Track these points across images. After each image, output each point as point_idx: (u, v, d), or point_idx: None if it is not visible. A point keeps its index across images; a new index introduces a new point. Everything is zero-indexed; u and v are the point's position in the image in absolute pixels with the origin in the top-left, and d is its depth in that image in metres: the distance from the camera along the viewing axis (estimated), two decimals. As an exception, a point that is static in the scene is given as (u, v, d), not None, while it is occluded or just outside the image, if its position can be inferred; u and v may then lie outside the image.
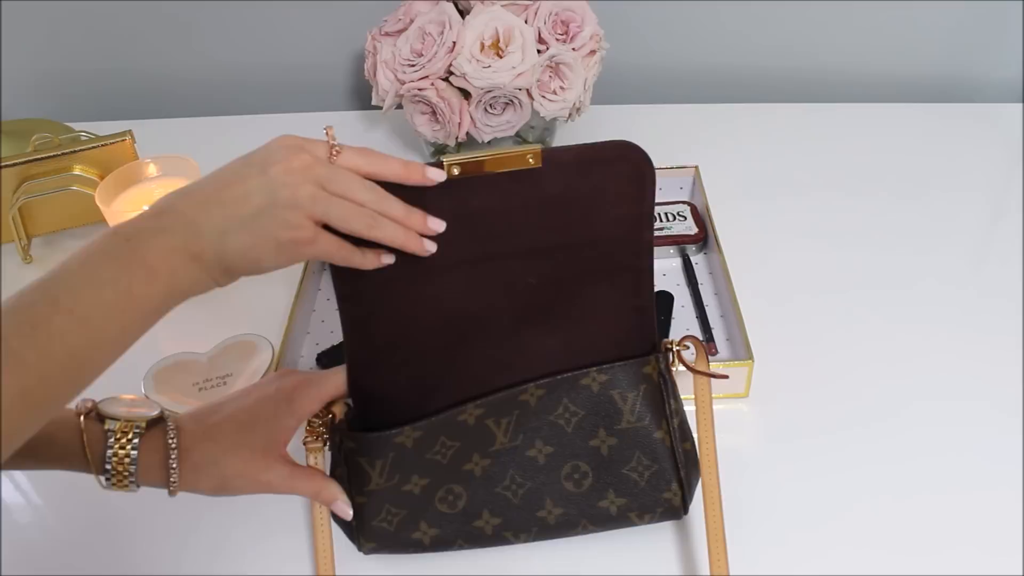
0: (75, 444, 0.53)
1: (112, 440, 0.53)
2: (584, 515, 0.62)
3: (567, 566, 0.63)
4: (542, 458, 0.61)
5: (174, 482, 0.54)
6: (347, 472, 0.60)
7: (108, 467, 0.53)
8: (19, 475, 0.73)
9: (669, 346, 0.62)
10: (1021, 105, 1.10)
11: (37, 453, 0.53)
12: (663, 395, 0.61)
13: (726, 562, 0.59)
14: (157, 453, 0.54)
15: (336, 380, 0.59)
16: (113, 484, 0.54)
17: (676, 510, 0.63)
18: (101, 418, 0.53)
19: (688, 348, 0.62)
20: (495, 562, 0.64)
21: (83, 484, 0.71)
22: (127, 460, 0.53)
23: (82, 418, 0.53)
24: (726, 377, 0.63)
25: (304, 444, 0.60)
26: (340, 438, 0.59)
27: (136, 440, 0.53)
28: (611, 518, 0.62)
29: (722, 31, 1.14)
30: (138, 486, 0.54)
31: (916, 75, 1.16)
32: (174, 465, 0.54)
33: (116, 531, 0.68)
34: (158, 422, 0.54)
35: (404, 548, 0.62)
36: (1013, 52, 1.13)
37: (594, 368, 0.60)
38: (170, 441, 0.54)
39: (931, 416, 0.73)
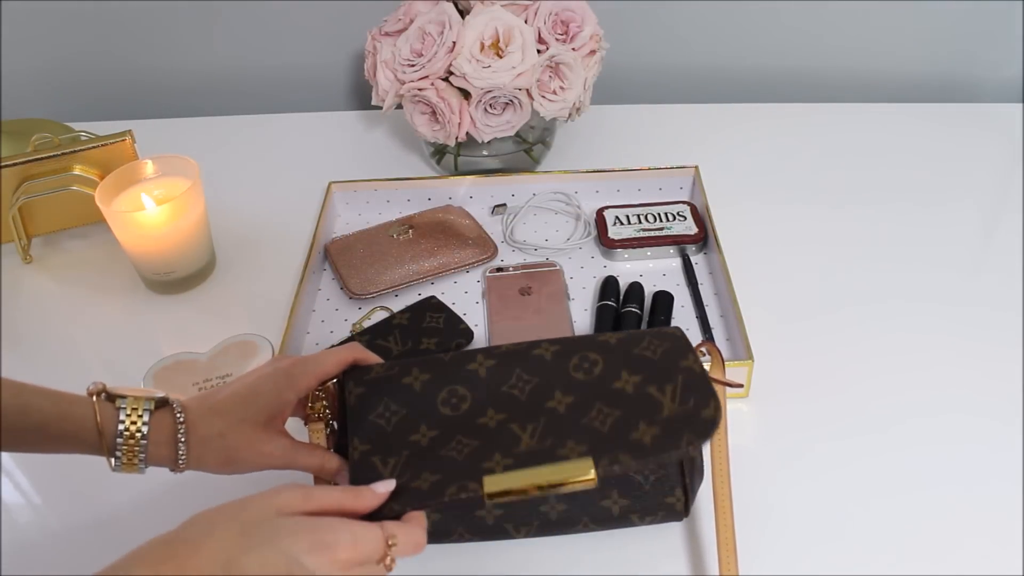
0: (88, 421, 0.54)
1: (124, 416, 0.54)
2: (586, 513, 0.62)
3: (574, 565, 0.63)
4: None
5: (182, 456, 0.56)
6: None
7: (120, 441, 0.54)
8: (19, 475, 0.73)
9: None
10: (1021, 105, 1.10)
11: (50, 430, 0.54)
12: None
13: (736, 567, 0.59)
14: (165, 430, 0.55)
15: (333, 358, 0.60)
16: (123, 463, 0.55)
17: (678, 513, 0.63)
18: (111, 398, 0.55)
19: (704, 355, 0.60)
20: (500, 561, 0.64)
21: (83, 485, 0.71)
22: (138, 435, 0.54)
23: (95, 397, 0.55)
24: (741, 386, 0.62)
25: (306, 424, 0.61)
26: (350, 383, 0.59)
27: (146, 416, 0.54)
28: (612, 518, 0.62)
29: (722, 31, 1.14)
30: (146, 465, 0.55)
31: (916, 75, 1.16)
32: (182, 439, 0.55)
33: (116, 532, 0.68)
34: (164, 403, 0.56)
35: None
36: (1013, 52, 1.13)
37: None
38: (178, 416, 0.56)
39: (932, 414, 0.73)
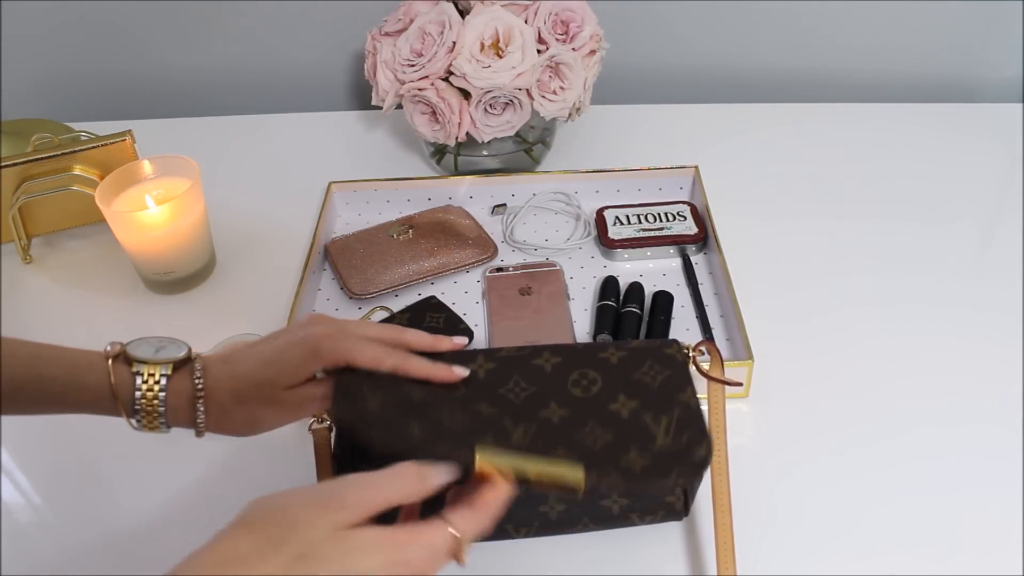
0: (105, 388, 0.53)
1: (140, 382, 0.53)
2: (586, 513, 0.62)
3: (573, 565, 0.63)
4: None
5: (201, 422, 0.55)
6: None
7: (138, 408, 0.54)
8: (19, 475, 0.73)
9: (685, 348, 0.60)
10: (1021, 105, 1.10)
11: (67, 399, 0.54)
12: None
13: (734, 566, 0.59)
14: (185, 394, 0.55)
15: (369, 354, 0.56)
16: (144, 426, 0.54)
17: (678, 513, 0.63)
18: (129, 361, 0.54)
19: (703, 353, 0.60)
20: (500, 560, 0.64)
21: (83, 484, 0.71)
22: (156, 402, 0.54)
23: (110, 362, 0.54)
24: (740, 384, 0.62)
25: (310, 429, 0.60)
26: (342, 377, 0.57)
27: (164, 381, 0.54)
28: (612, 517, 0.62)
29: (722, 31, 1.14)
30: (168, 427, 0.55)
31: (916, 75, 1.16)
32: (201, 407, 0.55)
33: (116, 531, 0.68)
34: (185, 362, 0.55)
35: None
36: (1013, 52, 1.13)
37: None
38: (196, 382, 0.55)
39: (931, 414, 0.73)
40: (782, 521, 0.66)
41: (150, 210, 0.85)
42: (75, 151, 0.90)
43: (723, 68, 1.17)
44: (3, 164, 0.88)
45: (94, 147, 0.90)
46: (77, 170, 0.90)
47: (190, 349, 0.56)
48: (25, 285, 0.92)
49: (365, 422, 0.53)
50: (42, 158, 0.89)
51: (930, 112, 1.10)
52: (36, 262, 0.95)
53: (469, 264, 0.89)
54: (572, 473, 0.51)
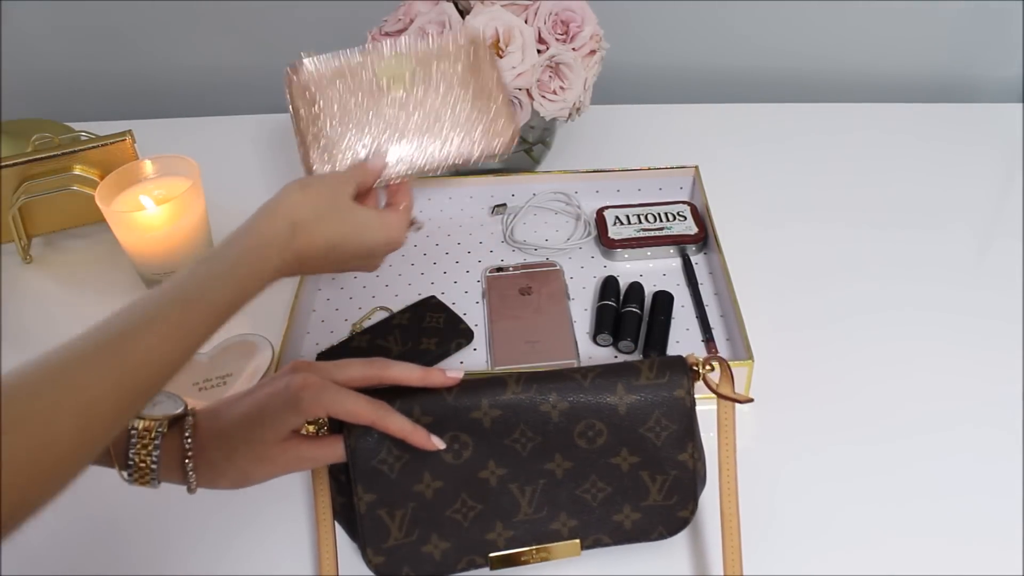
0: None
1: (135, 440, 0.54)
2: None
3: (575, 565, 0.63)
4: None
5: (192, 480, 0.56)
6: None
7: (131, 464, 0.54)
8: (19, 475, 0.73)
9: (695, 364, 0.59)
10: (1021, 105, 1.10)
11: None
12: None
13: (740, 566, 0.59)
14: (176, 453, 0.55)
15: (350, 405, 0.56)
16: (135, 481, 0.55)
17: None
18: None
19: (713, 368, 0.59)
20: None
21: (83, 484, 0.71)
22: (149, 460, 0.54)
23: None
24: (751, 400, 0.62)
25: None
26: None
27: (157, 441, 0.54)
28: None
29: (722, 31, 1.14)
30: (159, 483, 0.56)
31: (916, 75, 1.16)
32: (190, 465, 0.55)
33: (116, 531, 0.68)
34: (180, 419, 0.56)
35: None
36: (1013, 52, 1.13)
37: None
38: (186, 443, 0.55)
39: (931, 416, 0.73)
40: (781, 521, 0.66)
41: (150, 210, 0.85)
42: (75, 151, 0.90)
43: (723, 68, 1.17)
44: (3, 164, 0.88)
45: (94, 147, 0.90)
46: (77, 170, 0.90)
47: (186, 405, 0.56)
48: (25, 285, 0.92)
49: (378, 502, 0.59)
50: (42, 158, 0.89)
51: (930, 112, 1.10)
52: (36, 262, 0.95)
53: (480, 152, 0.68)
54: (570, 549, 0.60)
